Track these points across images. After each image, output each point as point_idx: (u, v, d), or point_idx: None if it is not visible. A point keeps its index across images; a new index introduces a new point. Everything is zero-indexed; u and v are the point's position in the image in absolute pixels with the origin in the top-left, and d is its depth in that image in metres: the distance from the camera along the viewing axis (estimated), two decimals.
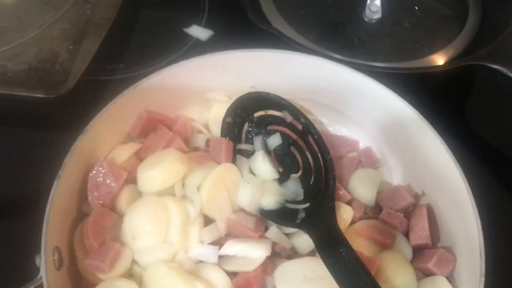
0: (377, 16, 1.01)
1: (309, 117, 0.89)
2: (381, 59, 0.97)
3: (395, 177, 0.83)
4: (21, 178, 0.85)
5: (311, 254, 0.71)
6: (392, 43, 1.01)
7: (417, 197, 0.79)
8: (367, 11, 1.01)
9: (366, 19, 1.02)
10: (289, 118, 0.77)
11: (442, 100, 0.95)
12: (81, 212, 0.72)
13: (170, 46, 1.04)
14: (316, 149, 0.76)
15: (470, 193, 0.68)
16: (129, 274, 0.69)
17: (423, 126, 0.74)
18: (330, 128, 0.89)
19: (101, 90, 0.93)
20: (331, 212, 0.70)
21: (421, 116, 0.75)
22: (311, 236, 0.68)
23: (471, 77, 0.98)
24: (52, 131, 0.90)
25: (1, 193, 0.84)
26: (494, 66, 0.86)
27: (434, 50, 1.00)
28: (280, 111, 0.78)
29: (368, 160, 0.84)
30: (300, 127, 0.77)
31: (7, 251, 0.77)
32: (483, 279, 0.62)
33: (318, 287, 0.65)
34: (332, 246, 0.65)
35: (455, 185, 0.70)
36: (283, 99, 0.76)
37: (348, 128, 0.88)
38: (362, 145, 0.87)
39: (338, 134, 0.88)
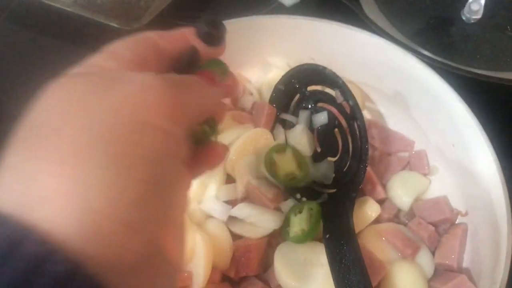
0: (477, 16, 0.91)
1: (370, 106, 0.85)
2: (470, 63, 0.88)
3: (443, 189, 0.76)
4: None
5: (321, 240, 0.68)
6: (487, 49, 0.90)
7: (457, 215, 0.72)
8: (467, 9, 0.92)
9: (464, 18, 0.93)
10: (340, 98, 0.73)
11: None
12: None
13: (254, 5, 1.02)
14: (358, 136, 0.71)
15: (511, 225, 0.60)
16: None
17: (482, 145, 0.66)
18: (389, 122, 0.84)
19: None
20: (350, 203, 0.65)
21: (484, 134, 0.66)
22: (323, 222, 0.65)
23: None
24: None
25: None
26: None
27: None
28: (333, 89, 0.74)
29: (418, 164, 0.78)
30: (348, 110, 0.72)
31: None
32: None
33: (315, 274, 0.62)
34: (338, 238, 0.61)
35: (499, 215, 0.62)
36: (338, 77, 0.72)
37: (407, 126, 0.81)
38: (417, 147, 0.80)
39: (395, 130, 0.82)
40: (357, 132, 0.71)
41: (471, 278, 0.65)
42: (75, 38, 0.99)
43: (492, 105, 0.76)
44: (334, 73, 0.73)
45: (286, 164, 0.70)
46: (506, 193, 0.63)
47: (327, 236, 0.63)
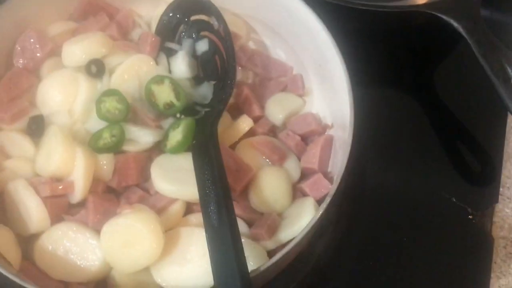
0: None
1: (255, 37, 0.92)
2: None
3: (316, 107, 0.84)
4: None
5: None
6: None
7: (326, 128, 0.81)
8: None
9: None
10: (216, 25, 0.79)
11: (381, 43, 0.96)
12: None
13: None
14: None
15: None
16: None
17: (340, 66, 0.74)
18: (271, 51, 0.91)
19: None
20: (217, 115, 0.73)
21: (341, 57, 0.74)
22: (196, 134, 0.72)
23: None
24: None
25: None
26: (445, 18, 0.83)
27: None
28: (210, 16, 0.80)
29: (294, 87, 0.85)
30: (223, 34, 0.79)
31: None
32: (328, 199, 0.64)
33: (187, 178, 0.68)
34: (203, 146, 0.68)
35: (348, 125, 0.70)
36: (212, 4, 0.78)
37: (287, 53, 0.89)
38: (295, 72, 0.88)
39: (276, 57, 0.90)
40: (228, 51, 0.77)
41: (331, 179, 0.74)
42: None
43: (353, 28, 0.85)
44: (209, 1, 0.78)
45: (164, 95, 0.76)
46: (352, 104, 0.71)
47: (194, 143, 0.70)
